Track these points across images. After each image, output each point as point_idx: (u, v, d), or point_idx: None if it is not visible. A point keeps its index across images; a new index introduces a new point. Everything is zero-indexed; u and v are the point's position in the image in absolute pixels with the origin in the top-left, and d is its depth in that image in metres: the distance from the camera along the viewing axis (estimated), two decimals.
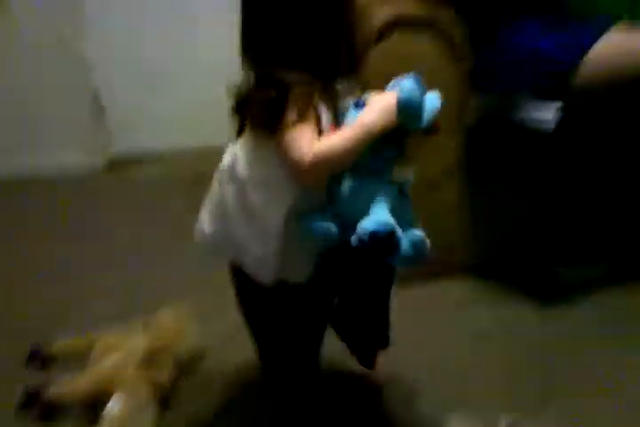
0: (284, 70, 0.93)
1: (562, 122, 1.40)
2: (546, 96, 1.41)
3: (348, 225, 0.93)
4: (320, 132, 0.94)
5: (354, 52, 1.00)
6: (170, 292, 1.71)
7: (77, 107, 2.56)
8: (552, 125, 1.39)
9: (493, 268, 1.70)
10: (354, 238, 0.90)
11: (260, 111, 0.94)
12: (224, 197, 1.04)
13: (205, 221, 1.08)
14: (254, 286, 1.06)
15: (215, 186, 1.08)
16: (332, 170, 0.95)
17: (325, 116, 0.95)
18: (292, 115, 0.91)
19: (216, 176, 1.08)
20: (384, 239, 0.89)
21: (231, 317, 1.36)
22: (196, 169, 2.30)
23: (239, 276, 1.10)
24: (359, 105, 0.95)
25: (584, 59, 1.40)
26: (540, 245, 1.65)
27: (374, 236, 0.88)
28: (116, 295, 1.72)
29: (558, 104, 1.40)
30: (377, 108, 0.92)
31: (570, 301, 1.59)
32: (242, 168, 1.01)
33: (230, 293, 1.20)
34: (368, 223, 0.90)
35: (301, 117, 0.91)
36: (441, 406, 1.27)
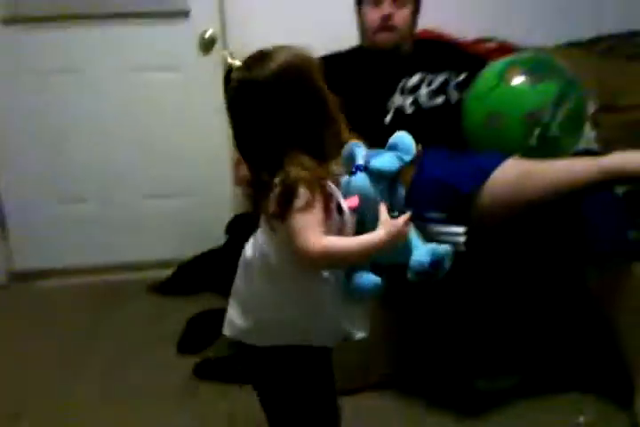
0: (284, 169, 0.99)
1: (469, 243, 1.44)
2: (451, 220, 1.46)
3: (383, 268, 1.02)
4: (338, 207, 1.01)
5: (339, 136, 1.07)
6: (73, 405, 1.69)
7: None
8: (462, 247, 1.44)
9: (412, 381, 1.71)
10: (411, 274, 1.00)
11: (271, 203, 1.00)
12: (254, 286, 1.09)
13: (236, 316, 1.11)
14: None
15: (240, 280, 1.12)
16: (336, 266, 1.03)
17: (336, 192, 1.01)
18: (299, 203, 0.96)
19: (240, 271, 1.11)
20: (442, 265, 1.00)
21: None
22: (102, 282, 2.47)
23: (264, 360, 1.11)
24: (360, 169, 1.03)
25: (483, 185, 1.46)
26: (457, 358, 1.67)
27: (436, 264, 0.99)
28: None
29: (462, 228, 1.45)
30: (388, 234, 0.98)
31: (486, 411, 1.61)
32: (273, 259, 1.04)
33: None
34: (422, 257, 1.00)
35: (308, 205, 0.96)
36: None
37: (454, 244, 1.44)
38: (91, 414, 1.70)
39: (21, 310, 2.36)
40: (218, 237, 2.37)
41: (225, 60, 1.09)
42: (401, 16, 1.83)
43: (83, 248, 2.62)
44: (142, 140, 2.59)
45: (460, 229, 1.45)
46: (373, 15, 1.83)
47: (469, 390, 1.67)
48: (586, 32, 2.40)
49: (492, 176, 1.46)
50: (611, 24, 2.61)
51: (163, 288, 2.43)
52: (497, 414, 1.61)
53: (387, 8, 1.80)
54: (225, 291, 2.45)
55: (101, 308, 2.32)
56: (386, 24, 1.81)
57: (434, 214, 1.47)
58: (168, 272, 2.47)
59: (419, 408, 1.64)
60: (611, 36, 2.34)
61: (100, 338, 2.11)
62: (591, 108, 1.96)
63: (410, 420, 1.61)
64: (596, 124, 2.04)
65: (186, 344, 2.01)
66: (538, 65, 1.66)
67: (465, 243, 1.44)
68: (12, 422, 1.69)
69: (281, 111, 1.01)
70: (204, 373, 1.85)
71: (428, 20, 2.13)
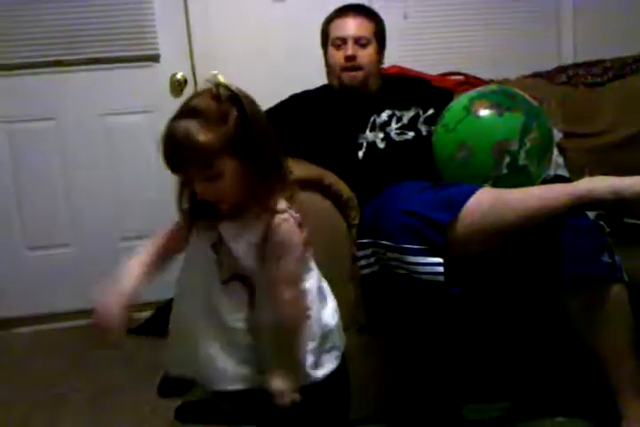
0: None
1: (447, 273, 1.45)
2: (430, 251, 1.47)
3: None
4: None
5: None
6: None
7: None
8: (441, 277, 1.44)
9: (401, 414, 1.69)
10: None
11: None
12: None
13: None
14: None
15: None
16: None
17: None
18: None
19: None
20: None
21: None
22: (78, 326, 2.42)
23: None
24: None
25: (459, 214, 1.48)
26: (445, 384, 1.66)
27: None
28: None
29: (440, 259, 1.46)
30: None
31: None
32: None
33: None
34: None
35: None
36: None
37: (432, 274, 1.46)
38: None
39: None
40: None
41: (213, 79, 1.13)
42: (365, 55, 1.87)
43: (54, 294, 2.58)
44: (115, 184, 2.59)
45: (438, 260, 1.45)
46: (338, 56, 1.87)
47: (458, 420, 1.65)
48: (548, 64, 2.48)
49: (466, 206, 1.47)
50: (571, 55, 2.72)
51: (141, 330, 2.39)
52: None
53: (350, 49, 1.84)
54: None
55: (78, 351, 2.29)
56: (350, 64, 1.85)
57: (413, 246, 1.47)
58: (147, 314, 2.44)
59: None
60: (571, 66, 2.42)
61: (79, 379, 2.08)
62: (557, 135, 2.02)
63: None
64: (562, 151, 2.10)
65: (166, 388, 1.97)
66: (503, 96, 1.69)
67: (443, 273, 1.44)
68: None
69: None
70: (185, 416, 1.80)
71: (395, 57, 2.19)
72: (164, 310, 2.44)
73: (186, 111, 1.08)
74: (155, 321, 2.42)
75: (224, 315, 1.15)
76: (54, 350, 2.32)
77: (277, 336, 1.13)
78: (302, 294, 1.15)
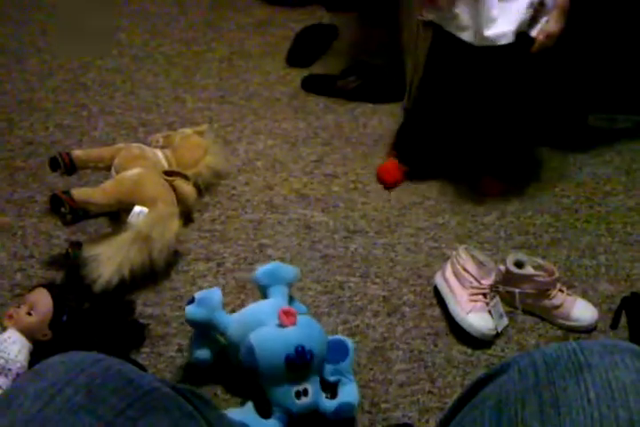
0: None
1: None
2: None
3: None
4: None
5: None
6: (191, 111, 1.78)
7: None
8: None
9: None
10: None
11: None
12: None
13: None
14: None
15: None
16: None
17: None
18: None
19: None
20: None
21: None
22: None
23: None
24: None
25: None
26: (572, 93, 1.60)
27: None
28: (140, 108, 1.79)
29: None
30: None
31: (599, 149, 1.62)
32: None
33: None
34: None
35: None
36: None
37: None
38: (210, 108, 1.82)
39: None
40: None
41: None
42: None
43: None
44: None
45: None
46: None
47: (583, 127, 1.63)
48: None
49: None
50: None
51: None
52: (606, 151, 1.62)
53: None
54: (331, 4, 2.37)
55: (213, 11, 2.34)
56: None
57: None
58: None
59: None
60: None
61: (214, 40, 2.16)
62: None
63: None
64: None
65: (295, 57, 2.03)
66: None
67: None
68: None
69: None
70: (310, 86, 1.88)
71: None
72: None
73: None
74: None
75: None
76: (189, 10, 2.36)
77: None
78: None
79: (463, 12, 1.26)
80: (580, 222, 1.45)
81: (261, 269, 1.11)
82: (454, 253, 1.27)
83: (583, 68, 1.56)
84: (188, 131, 1.53)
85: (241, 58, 2.06)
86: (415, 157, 1.55)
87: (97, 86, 1.87)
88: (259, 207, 1.47)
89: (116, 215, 1.28)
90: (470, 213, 1.47)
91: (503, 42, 1.24)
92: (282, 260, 1.31)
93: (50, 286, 1.13)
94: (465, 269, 1.23)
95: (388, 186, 1.54)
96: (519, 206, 1.49)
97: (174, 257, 1.31)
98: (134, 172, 1.30)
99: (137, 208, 1.24)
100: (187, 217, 1.39)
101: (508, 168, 1.54)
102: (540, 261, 1.23)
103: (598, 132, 1.65)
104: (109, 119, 1.73)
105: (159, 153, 1.43)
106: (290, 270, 1.15)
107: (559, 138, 1.63)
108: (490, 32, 1.23)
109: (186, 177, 1.37)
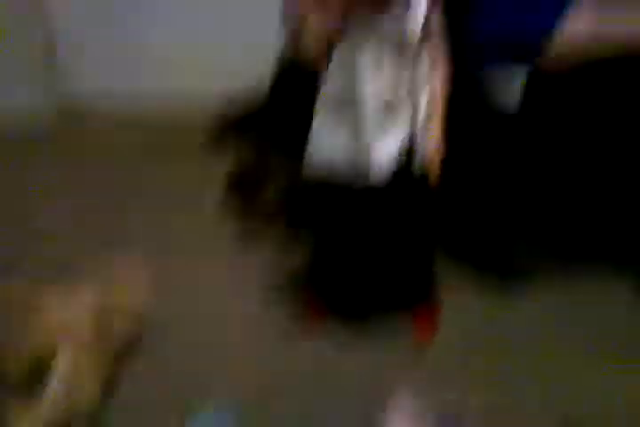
0: None
1: (525, 102, 1.31)
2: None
3: None
4: None
5: None
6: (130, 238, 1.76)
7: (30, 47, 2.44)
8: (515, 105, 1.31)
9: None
10: None
11: None
12: None
13: None
14: None
15: None
16: None
17: None
18: None
19: None
20: None
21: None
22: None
23: None
24: None
25: (554, 39, 1.32)
26: (500, 233, 1.63)
27: None
28: (73, 239, 1.78)
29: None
30: None
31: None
32: None
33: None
34: None
35: None
36: None
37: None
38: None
39: (74, 147, 2.38)
40: None
41: None
42: None
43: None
44: None
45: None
46: None
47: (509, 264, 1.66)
48: None
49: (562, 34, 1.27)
50: None
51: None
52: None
53: None
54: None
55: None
56: None
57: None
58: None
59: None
60: None
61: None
62: None
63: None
64: None
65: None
66: None
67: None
68: None
69: None
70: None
71: None
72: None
73: None
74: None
75: None
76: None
77: None
78: None
79: None
80: None
81: None
82: None
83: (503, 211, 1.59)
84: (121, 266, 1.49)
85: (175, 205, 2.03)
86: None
87: None
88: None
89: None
90: None
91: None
92: None
93: None
94: None
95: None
96: None
97: None
98: (53, 326, 1.26)
99: (53, 378, 1.18)
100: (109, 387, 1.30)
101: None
102: None
103: (525, 273, 1.65)
104: None
105: (86, 296, 1.35)
106: None
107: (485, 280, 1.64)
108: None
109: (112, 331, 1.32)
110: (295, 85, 2.05)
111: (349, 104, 1.21)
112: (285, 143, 2.22)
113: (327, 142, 1.27)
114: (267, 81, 2.20)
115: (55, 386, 1.17)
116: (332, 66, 1.23)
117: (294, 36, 1.33)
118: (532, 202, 1.56)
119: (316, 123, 1.28)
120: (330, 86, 1.25)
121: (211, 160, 2.15)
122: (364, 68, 1.17)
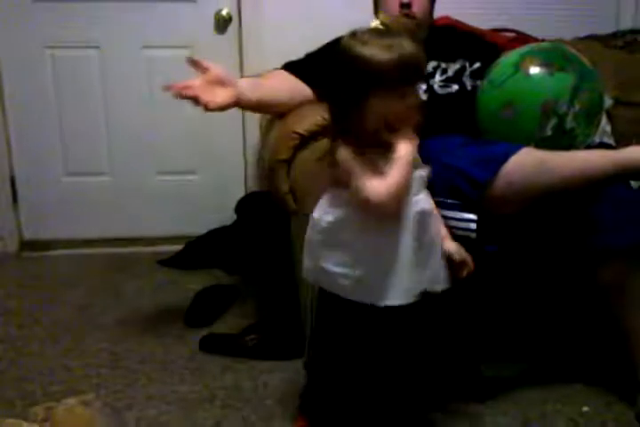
0: None
1: (480, 231, 1.45)
2: (464, 207, 1.47)
3: None
4: None
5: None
6: (78, 379, 1.70)
7: None
8: (474, 234, 1.45)
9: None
10: None
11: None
12: None
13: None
14: None
15: None
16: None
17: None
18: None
19: None
20: None
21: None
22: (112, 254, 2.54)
23: None
24: None
25: (499, 172, 1.46)
26: (464, 345, 1.69)
27: None
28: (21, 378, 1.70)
29: (474, 215, 1.46)
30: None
31: (492, 397, 1.63)
32: None
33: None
34: None
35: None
36: None
37: (466, 230, 1.46)
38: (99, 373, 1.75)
39: (33, 277, 2.43)
40: (229, 216, 2.46)
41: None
42: (419, 4, 1.82)
43: (93, 221, 2.67)
44: (155, 116, 2.60)
45: (472, 217, 1.45)
46: (392, 2, 1.82)
47: (476, 376, 1.68)
48: (605, 27, 2.40)
49: (506, 165, 1.45)
50: (630, 20, 2.61)
51: (172, 262, 2.46)
52: (502, 401, 1.62)
53: None
54: (232, 268, 2.53)
55: (112, 276, 2.39)
56: (405, 12, 1.81)
57: (447, 200, 1.47)
58: (178, 247, 2.53)
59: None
60: (630, 32, 2.34)
61: (111, 304, 2.17)
62: (608, 102, 1.96)
63: None
64: (611, 118, 2.05)
65: (193, 317, 2.04)
66: (555, 55, 1.64)
67: (476, 231, 1.45)
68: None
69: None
70: (209, 346, 1.87)
71: (447, 10, 2.12)
72: (194, 244, 2.51)
73: (388, 34, 1.24)
74: (186, 255, 2.49)
75: None
76: (87, 275, 2.42)
77: None
78: None
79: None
80: None
81: None
82: None
83: (471, 319, 1.66)
84: (71, 401, 1.43)
85: (136, 320, 2.04)
86: (326, 419, 1.46)
87: None
88: None
89: None
90: None
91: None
92: None
93: None
94: None
95: None
96: None
97: None
98: None
99: None
100: None
101: None
102: None
103: (493, 381, 1.69)
104: None
105: None
106: None
107: (455, 389, 1.66)
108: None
109: None
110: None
111: None
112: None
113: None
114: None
115: None
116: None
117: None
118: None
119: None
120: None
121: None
122: None
